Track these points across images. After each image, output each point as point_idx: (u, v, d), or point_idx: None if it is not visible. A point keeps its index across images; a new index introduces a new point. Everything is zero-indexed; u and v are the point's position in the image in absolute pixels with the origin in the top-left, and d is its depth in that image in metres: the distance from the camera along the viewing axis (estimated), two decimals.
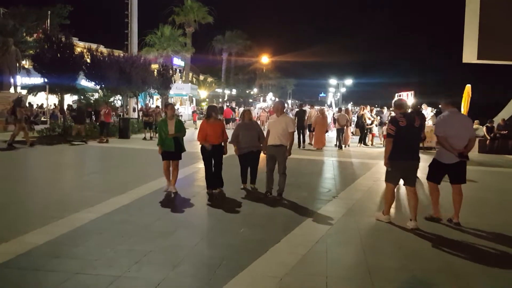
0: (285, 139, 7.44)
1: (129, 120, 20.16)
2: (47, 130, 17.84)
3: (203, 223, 6.20)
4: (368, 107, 20.71)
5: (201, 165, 10.13)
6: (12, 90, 23.69)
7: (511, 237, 5.82)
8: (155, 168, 9.73)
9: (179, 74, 48.71)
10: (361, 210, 7.01)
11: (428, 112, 19.41)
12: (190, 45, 42.50)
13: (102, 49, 26.17)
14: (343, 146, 17.36)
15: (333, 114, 22.08)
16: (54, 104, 28.98)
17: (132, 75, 21.72)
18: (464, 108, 19.13)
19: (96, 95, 23.83)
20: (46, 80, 19.30)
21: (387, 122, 18.13)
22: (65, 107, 24.52)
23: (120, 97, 24.21)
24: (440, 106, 6.59)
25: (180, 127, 7.74)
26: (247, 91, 66.64)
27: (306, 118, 17.77)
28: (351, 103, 72.13)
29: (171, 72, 29.94)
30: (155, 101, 41.47)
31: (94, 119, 21.29)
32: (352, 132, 20.37)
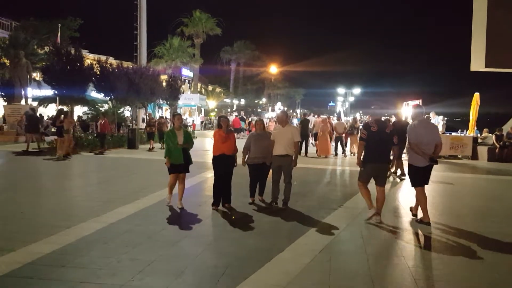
0: (291, 149, 7.39)
1: (137, 131, 20.34)
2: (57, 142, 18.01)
3: (208, 232, 6.21)
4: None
5: (207, 175, 10.20)
6: (23, 102, 24.06)
7: None
8: (160, 178, 9.79)
9: (188, 85, 49.11)
10: (365, 218, 6.96)
11: (438, 120, 19.32)
12: (198, 56, 42.94)
13: (112, 60, 26.48)
14: (350, 154, 17.43)
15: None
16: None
17: (141, 86, 21.95)
18: (473, 116, 19.04)
19: (106, 106, 24.14)
20: (56, 92, 19.58)
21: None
22: (75, 118, 24.82)
23: (129, 108, 24.46)
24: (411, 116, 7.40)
25: (188, 138, 7.46)
26: (256, 101, 66.88)
27: (311, 127, 18.07)
28: (360, 112, 71.97)
29: (179, 82, 30.20)
30: (164, 112, 41.86)
31: (93, 130, 21.66)
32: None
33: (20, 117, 21.34)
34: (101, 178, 11.12)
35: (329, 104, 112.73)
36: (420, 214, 6.82)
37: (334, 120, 19.62)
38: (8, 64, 24.85)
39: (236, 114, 39.06)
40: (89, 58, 28.56)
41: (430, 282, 4.42)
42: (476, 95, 18.95)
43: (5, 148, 17.57)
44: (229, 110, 54.07)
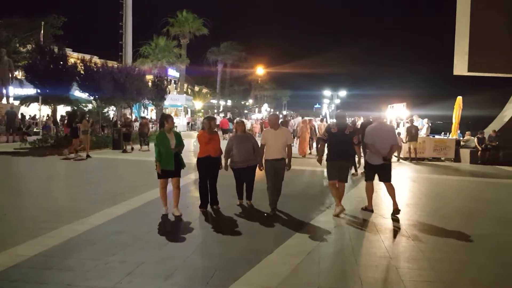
0: (285, 152, 7.23)
1: (122, 131, 20.11)
2: (40, 141, 17.74)
3: (196, 234, 6.15)
4: (362, 119, 20.80)
5: (193, 176, 10.12)
6: (4, 101, 23.62)
7: (501, 245, 5.87)
8: (148, 179, 9.72)
9: (174, 85, 48.84)
10: (354, 220, 7.03)
11: (422, 123, 19.59)
12: (185, 56, 42.69)
13: (96, 60, 26.19)
14: None
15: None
16: (47, 115, 28.89)
17: (127, 86, 21.77)
18: (456, 119, 19.37)
19: (90, 106, 23.82)
20: (39, 91, 19.25)
21: None
22: (58, 118, 24.45)
23: (114, 108, 24.17)
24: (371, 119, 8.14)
25: (180, 141, 6.99)
26: (242, 102, 66.82)
27: (296, 128, 18.56)
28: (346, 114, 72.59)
29: (165, 83, 30.03)
30: (150, 112, 41.53)
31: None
32: None
33: (1, 116, 20.97)
34: (87, 179, 10.97)
35: (315, 106, 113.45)
36: (394, 208, 7.32)
37: (318, 122, 19.88)
38: None
39: (224, 115, 38.95)
40: (73, 57, 28.19)
41: (418, 283, 4.47)
42: (459, 98, 19.30)
43: None
44: (215, 111, 53.90)
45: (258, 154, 7.42)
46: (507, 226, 7.22)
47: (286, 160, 7.29)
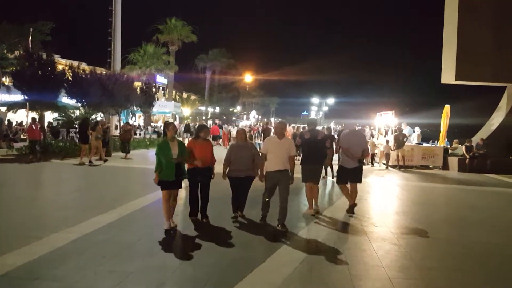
0: (288, 164, 6.79)
1: (110, 138, 19.90)
2: (26, 148, 17.47)
3: (186, 243, 6.03)
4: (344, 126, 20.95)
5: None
6: None
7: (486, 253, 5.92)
8: (136, 186, 9.62)
9: (162, 92, 48.64)
10: (347, 229, 7.02)
11: (409, 131, 19.77)
12: (173, 63, 42.61)
13: (84, 66, 25.94)
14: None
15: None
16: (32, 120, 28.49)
17: (115, 92, 21.54)
18: (443, 127, 19.60)
19: (78, 113, 23.57)
20: (26, 97, 18.97)
21: (368, 140, 18.55)
22: (46, 124, 24.12)
23: (102, 115, 23.93)
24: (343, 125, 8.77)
25: (183, 150, 6.53)
26: (231, 109, 66.82)
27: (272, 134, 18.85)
28: (333, 121, 73.12)
29: (154, 89, 29.86)
30: (138, 119, 41.26)
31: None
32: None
33: None
34: (74, 186, 10.81)
35: (303, 113, 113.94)
36: (351, 203, 7.99)
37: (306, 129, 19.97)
38: None
39: (215, 121, 38.85)
40: (61, 63, 27.84)
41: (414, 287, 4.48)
42: (447, 107, 19.54)
43: None
44: (203, 117, 53.77)
45: (259, 164, 7.03)
46: (495, 233, 7.29)
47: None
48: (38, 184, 11.50)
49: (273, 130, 18.40)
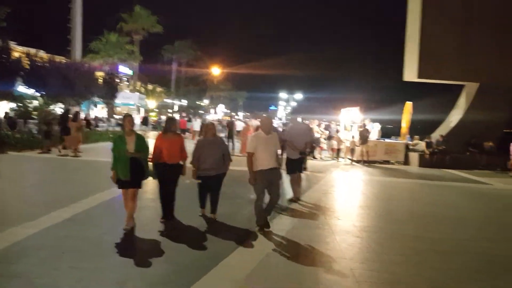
0: (277, 161, 6.38)
1: (43, 129, 18.95)
2: None
3: (153, 238, 5.86)
4: (317, 122, 21.17)
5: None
6: None
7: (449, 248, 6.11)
8: (98, 180, 9.32)
9: (127, 83, 47.50)
10: (311, 222, 7.08)
11: (373, 126, 20.20)
12: (138, 53, 41.62)
13: (43, 54, 24.90)
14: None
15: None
16: None
17: (75, 82, 20.89)
18: (406, 123, 20.14)
19: (36, 103, 22.60)
20: None
21: (334, 136, 18.84)
22: (2, 114, 23.01)
23: (62, 106, 23.11)
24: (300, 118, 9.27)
25: (142, 145, 5.99)
26: (198, 102, 66.08)
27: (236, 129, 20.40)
28: (300, 117, 73.78)
29: (117, 80, 29.12)
30: (101, 110, 40.12)
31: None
32: None
33: None
34: (31, 180, 10.36)
35: (270, 107, 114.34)
36: (297, 196, 8.50)
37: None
38: None
39: (182, 115, 38.25)
40: (18, 50, 26.66)
41: (376, 285, 4.55)
42: (408, 104, 20.06)
43: None
44: (170, 110, 52.92)
45: (248, 166, 6.23)
46: (458, 229, 7.52)
47: None
48: None
49: (252, 126, 18.50)
